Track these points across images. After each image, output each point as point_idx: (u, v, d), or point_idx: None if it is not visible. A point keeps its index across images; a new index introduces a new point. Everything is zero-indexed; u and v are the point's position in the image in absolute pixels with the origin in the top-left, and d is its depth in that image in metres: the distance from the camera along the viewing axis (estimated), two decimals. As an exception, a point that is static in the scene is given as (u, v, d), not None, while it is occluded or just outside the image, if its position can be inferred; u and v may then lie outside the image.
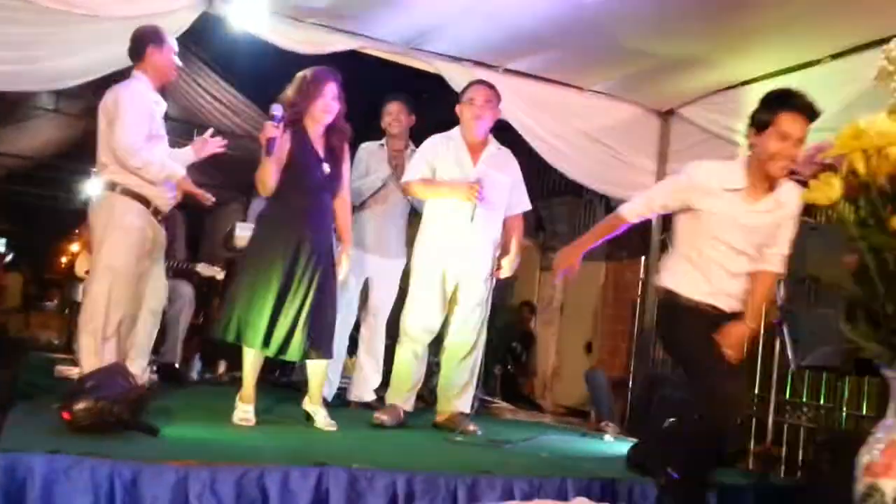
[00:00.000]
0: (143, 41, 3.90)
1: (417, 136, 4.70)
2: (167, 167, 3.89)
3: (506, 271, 4.30)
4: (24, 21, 3.94)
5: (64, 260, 16.59)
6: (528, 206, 4.43)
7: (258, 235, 3.82)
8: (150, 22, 4.24)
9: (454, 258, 4.16)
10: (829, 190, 1.63)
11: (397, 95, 4.84)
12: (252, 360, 3.74)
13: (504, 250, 4.31)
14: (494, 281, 4.30)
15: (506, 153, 4.37)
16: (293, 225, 3.74)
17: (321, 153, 3.83)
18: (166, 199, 3.97)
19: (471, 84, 4.37)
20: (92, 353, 3.69)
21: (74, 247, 15.92)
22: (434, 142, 4.34)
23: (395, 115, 4.79)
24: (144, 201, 3.87)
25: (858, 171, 1.65)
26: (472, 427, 4.14)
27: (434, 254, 4.21)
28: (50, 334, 8.91)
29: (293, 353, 3.72)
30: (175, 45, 4.02)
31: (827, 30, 4.13)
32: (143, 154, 3.75)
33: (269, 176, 3.70)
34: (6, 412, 3.19)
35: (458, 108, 4.31)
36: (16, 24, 3.93)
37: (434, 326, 4.24)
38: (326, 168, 3.81)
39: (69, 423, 2.83)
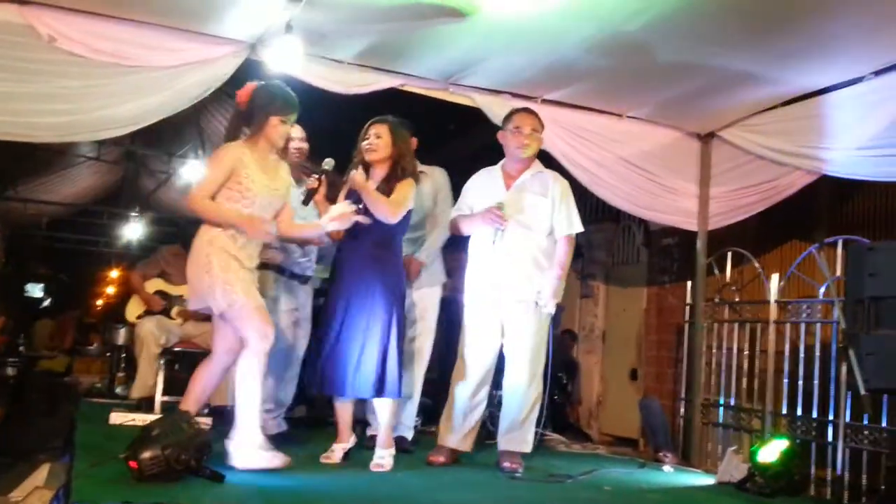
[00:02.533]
0: None
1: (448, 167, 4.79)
2: None
3: (545, 302, 4.10)
4: (77, 74, 4.04)
5: (100, 303, 16.77)
6: (568, 230, 4.23)
7: (327, 283, 4.03)
8: (195, 69, 4.36)
9: (489, 287, 4.13)
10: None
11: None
12: (342, 406, 3.93)
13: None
14: (548, 308, 4.15)
15: (548, 175, 4.30)
16: (345, 269, 3.91)
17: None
18: None
19: (516, 112, 4.33)
20: None
21: (110, 289, 16.15)
22: (474, 177, 4.38)
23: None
24: None
25: None
26: (507, 464, 4.03)
27: (472, 286, 4.20)
28: (92, 378, 8.96)
29: (355, 391, 3.82)
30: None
31: (868, 47, 4.10)
32: None
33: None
34: (71, 462, 3.22)
35: (500, 136, 4.29)
36: (70, 77, 4.03)
37: (474, 361, 4.14)
38: (363, 208, 3.85)
39: (137, 471, 2.85)
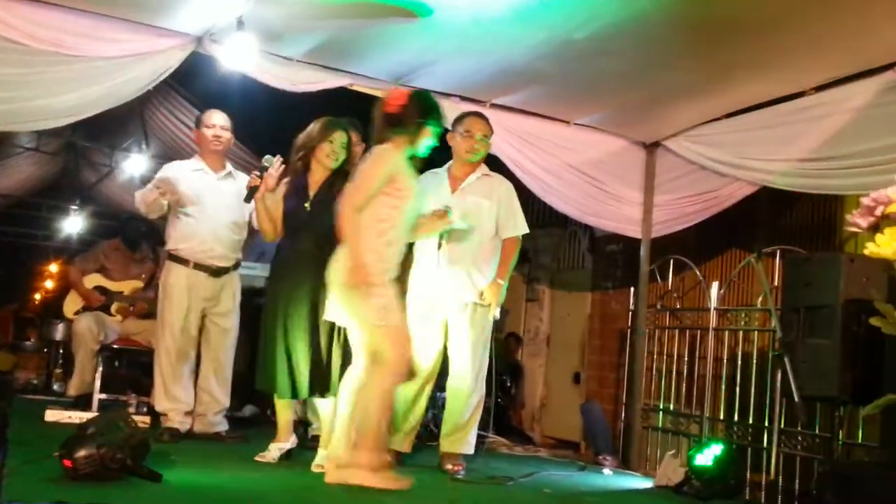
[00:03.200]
0: None
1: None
2: None
3: (487, 299, 4.13)
4: (15, 62, 3.92)
5: (38, 297, 16.29)
6: (513, 232, 4.29)
7: (268, 282, 3.98)
8: (139, 61, 4.27)
9: (433, 289, 4.13)
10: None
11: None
12: (281, 405, 3.88)
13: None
14: (492, 310, 4.17)
15: (494, 179, 4.34)
16: (288, 269, 3.87)
17: (311, 195, 3.88)
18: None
19: (467, 115, 4.34)
20: None
21: (48, 283, 15.72)
22: (420, 179, 4.33)
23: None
24: None
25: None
26: (449, 466, 4.07)
27: (417, 287, 4.19)
28: (29, 374, 8.72)
29: (302, 392, 3.79)
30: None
31: (810, 62, 4.20)
32: None
33: (260, 221, 3.98)
34: (3, 459, 3.12)
35: (449, 137, 4.28)
36: (7, 64, 3.91)
37: (417, 362, 4.07)
38: (308, 209, 3.85)
39: (71, 470, 2.78)
